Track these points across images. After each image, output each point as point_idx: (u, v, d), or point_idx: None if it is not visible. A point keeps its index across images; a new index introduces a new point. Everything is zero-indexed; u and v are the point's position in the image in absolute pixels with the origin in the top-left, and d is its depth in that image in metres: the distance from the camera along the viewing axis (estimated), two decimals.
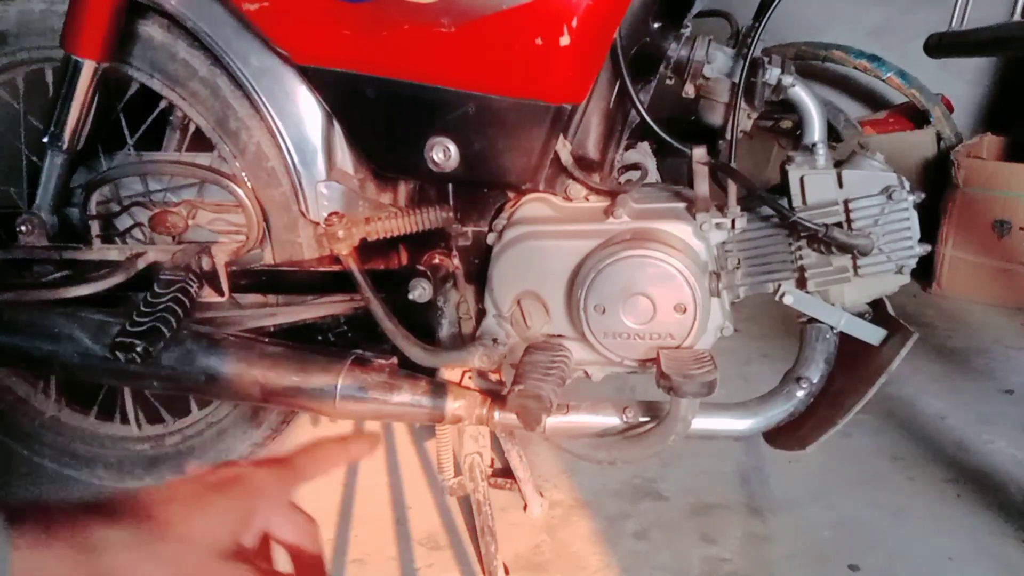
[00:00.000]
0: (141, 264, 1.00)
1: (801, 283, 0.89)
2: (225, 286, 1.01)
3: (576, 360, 0.94)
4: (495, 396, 0.93)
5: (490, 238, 0.95)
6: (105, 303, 0.99)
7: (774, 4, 0.89)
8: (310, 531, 0.53)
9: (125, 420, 1.21)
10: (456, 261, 1.00)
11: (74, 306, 0.98)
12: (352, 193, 0.98)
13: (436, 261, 0.99)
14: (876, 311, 0.92)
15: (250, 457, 0.56)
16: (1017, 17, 1.19)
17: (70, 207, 1.09)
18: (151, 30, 0.99)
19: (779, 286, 0.89)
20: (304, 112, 0.96)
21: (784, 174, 0.88)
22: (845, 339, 0.91)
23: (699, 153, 0.89)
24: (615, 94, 0.94)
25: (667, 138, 0.90)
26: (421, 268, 0.96)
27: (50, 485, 1.28)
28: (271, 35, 0.90)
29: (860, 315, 0.90)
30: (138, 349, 0.87)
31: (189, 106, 1.01)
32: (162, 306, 0.91)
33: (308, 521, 0.53)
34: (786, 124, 2.40)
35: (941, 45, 1.27)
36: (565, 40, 0.80)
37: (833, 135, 2.43)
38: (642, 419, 0.91)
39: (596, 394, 0.95)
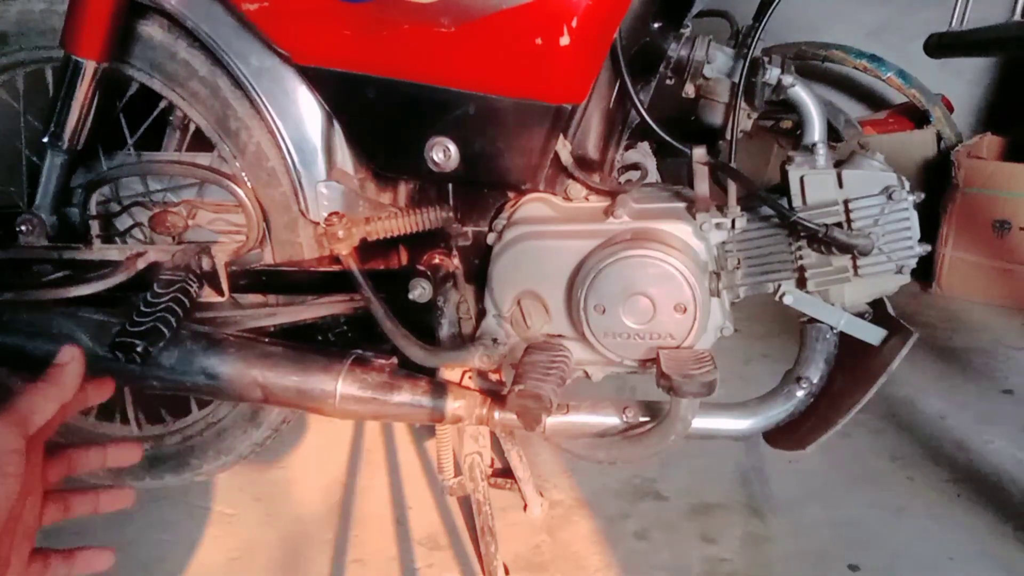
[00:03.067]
0: (141, 264, 1.00)
1: (801, 283, 0.89)
2: (225, 286, 1.01)
3: (576, 360, 0.94)
4: (495, 396, 0.93)
5: (490, 238, 0.95)
6: (105, 303, 0.99)
7: (774, 4, 0.89)
8: None
9: (125, 420, 1.20)
10: (456, 261, 1.00)
11: (74, 306, 0.98)
12: (352, 193, 0.98)
13: (436, 261, 0.99)
14: (876, 311, 0.92)
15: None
16: (1017, 17, 1.20)
17: (70, 207, 1.08)
18: (151, 30, 0.99)
19: (779, 286, 0.89)
20: (304, 112, 0.96)
21: (784, 174, 0.88)
22: (845, 339, 0.91)
23: (699, 153, 0.89)
24: (615, 94, 0.94)
25: (667, 138, 0.90)
26: (421, 268, 0.96)
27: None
28: (271, 35, 0.90)
29: (860, 315, 0.90)
30: (138, 349, 0.87)
31: (189, 106, 1.01)
32: (162, 306, 0.91)
33: None
34: (786, 124, 2.40)
35: (941, 45, 1.27)
36: (565, 40, 0.80)
37: (833, 135, 2.42)
38: (642, 419, 0.91)
39: (596, 394, 0.95)
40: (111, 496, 0.66)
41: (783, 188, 0.89)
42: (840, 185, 0.86)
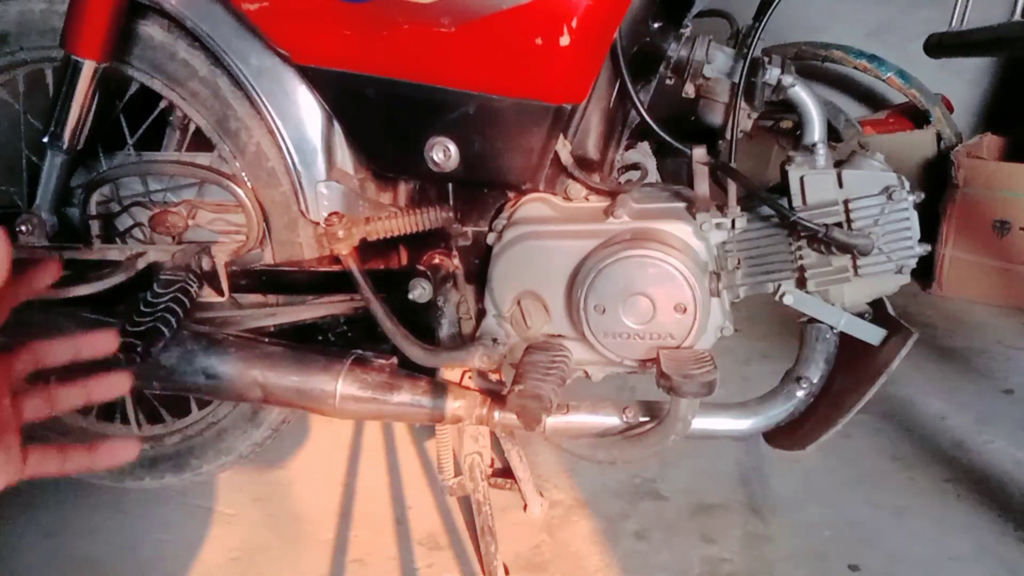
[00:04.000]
0: (141, 264, 1.00)
1: (801, 283, 0.89)
2: (225, 286, 1.01)
3: (576, 360, 0.94)
4: (495, 396, 0.93)
5: (490, 238, 0.95)
6: (105, 303, 0.99)
7: (774, 4, 0.89)
8: None
9: (125, 420, 1.21)
10: (456, 261, 1.00)
11: (74, 306, 0.98)
12: (352, 193, 0.98)
13: (436, 261, 0.99)
14: (876, 311, 0.92)
15: None
16: (1017, 17, 1.20)
17: (70, 207, 1.09)
18: (151, 30, 0.99)
19: (779, 286, 0.89)
20: (304, 112, 0.96)
21: (784, 174, 0.88)
22: (845, 339, 0.91)
23: (699, 153, 0.89)
24: (615, 94, 0.94)
25: (667, 138, 0.90)
26: (421, 268, 0.96)
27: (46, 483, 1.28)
28: (271, 35, 0.90)
29: (860, 315, 0.90)
30: (138, 349, 0.87)
31: (189, 106, 1.01)
32: (162, 306, 0.91)
33: None
34: (786, 124, 2.39)
35: (941, 45, 1.27)
36: (565, 40, 0.80)
37: (833, 135, 2.42)
38: (642, 419, 0.91)
39: (596, 394, 0.95)
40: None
41: (783, 188, 0.89)
42: (840, 185, 0.86)
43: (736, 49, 0.93)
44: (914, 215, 0.85)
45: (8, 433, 0.54)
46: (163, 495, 1.29)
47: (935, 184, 2.25)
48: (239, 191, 1.01)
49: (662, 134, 0.90)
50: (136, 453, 0.60)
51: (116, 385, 0.61)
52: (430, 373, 0.94)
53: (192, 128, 1.05)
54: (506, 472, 1.26)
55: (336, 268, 1.00)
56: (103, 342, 0.62)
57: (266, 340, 0.97)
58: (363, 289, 0.91)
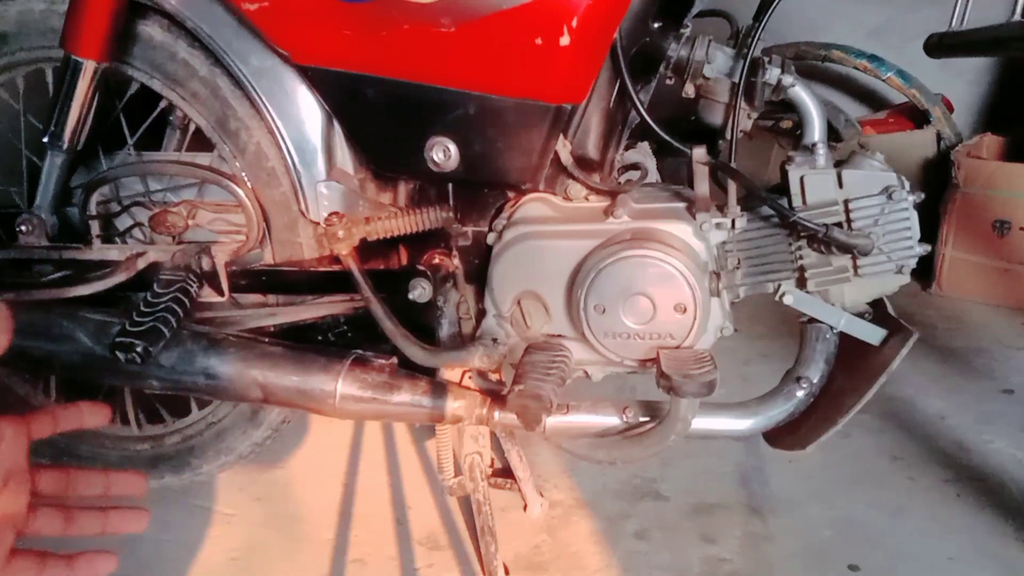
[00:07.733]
0: (141, 264, 1.00)
1: (801, 283, 0.89)
2: (225, 286, 1.01)
3: (576, 360, 0.94)
4: (495, 396, 0.93)
5: (490, 238, 0.95)
6: (105, 303, 0.99)
7: (774, 4, 0.89)
8: None
9: (125, 420, 1.21)
10: (456, 261, 1.00)
11: (74, 306, 0.98)
12: (352, 193, 0.98)
13: (436, 261, 0.99)
14: (876, 311, 0.92)
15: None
16: (1017, 17, 1.20)
17: (70, 207, 1.09)
18: (151, 30, 0.99)
19: (779, 286, 0.89)
20: (304, 112, 0.96)
21: (784, 174, 0.88)
22: (845, 339, 0.91)
23: (699, 153, 0.89)
24: (615, 94, 0.94)
25: (667, 138, 0.90)
26: (421, 268, 0.96)
27: None
28: (271, 35, 0.90)
29: (860, 315, 0.90)
30: (138, 349, 0.87)
31: (189, 106, 1.01)
32: (162, 306, 0.91)
33: None
34: (786, 124, 2.39)
35: (941, 45, 1.27)
36: (565, 40, 0.80)
37: (833, 135, 2.42)
38: (642, 419, 0.91)
39: (596, 394, 0.95)
40: (122, 517, 0.62)
41: (783, 188, 0.89)
42: (840, 185, 0.86)
43: (736, 49, 0.93)
44: (914, 215, 0.85)
45: (8, 532, 0.55)
46: (163, 495, 1.29)
47: (935, 184, 2.25)
48: (239, 191, 1.01)
49: (662, 134, 0.90)
50: (114, 565, 0.61)
51: (133, 523, 0.63)
52: (430, 373, 0.94)
53: (192, 128, 1.05)
54: (506, 472, 1.26)
55: (336, 268, 1.00)
56: (131, 483, 0.65)
57: (266, 340, 0.97)
58: (363, 289, 0.91)
